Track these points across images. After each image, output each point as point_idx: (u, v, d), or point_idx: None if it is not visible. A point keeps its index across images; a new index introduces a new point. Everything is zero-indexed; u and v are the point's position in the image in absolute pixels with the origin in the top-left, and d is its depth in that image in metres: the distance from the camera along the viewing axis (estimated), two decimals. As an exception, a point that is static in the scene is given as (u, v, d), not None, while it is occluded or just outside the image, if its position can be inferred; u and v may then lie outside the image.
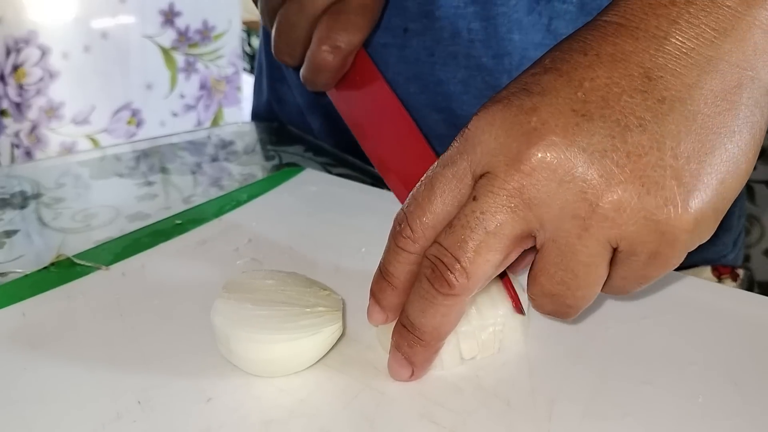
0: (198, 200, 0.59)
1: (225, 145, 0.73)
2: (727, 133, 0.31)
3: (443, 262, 0.33)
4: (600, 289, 0.34)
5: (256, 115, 0.83)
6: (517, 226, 0.32)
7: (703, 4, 0.31)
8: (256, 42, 2.06)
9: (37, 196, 0.60)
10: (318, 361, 0.39)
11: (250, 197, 0.58)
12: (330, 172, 0.66)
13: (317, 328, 0.37)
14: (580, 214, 0.31)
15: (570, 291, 0.33)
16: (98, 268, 0.47)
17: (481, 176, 0.33)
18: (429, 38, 0.61)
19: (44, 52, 1.48)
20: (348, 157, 0.69)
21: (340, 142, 0.73)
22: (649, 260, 0.32)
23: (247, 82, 1.85)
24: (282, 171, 0.62)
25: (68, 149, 1.57)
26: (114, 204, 0.59)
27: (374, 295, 0.38)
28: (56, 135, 1.55)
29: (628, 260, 0.33)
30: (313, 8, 0.52)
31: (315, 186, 0.60)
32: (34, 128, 1.52)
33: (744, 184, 0.33)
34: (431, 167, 0.35)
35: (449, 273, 0.33)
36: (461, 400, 0.37)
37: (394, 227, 0.36)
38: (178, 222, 0.54)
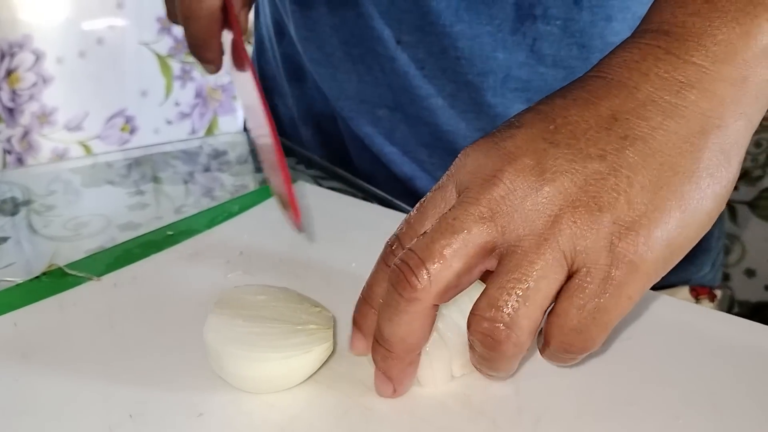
0: (189, 210, 0.59)
1: (217, 155, 0.73)
2: (687, 173, 0.33)
3: (408, 264, 0.34)
4: (543, 313, 0.33)
5: (247, 128, 0.83)
6: (483, 235, 0.34)
7: (672, 61, 0.34)
8: (249, 49, 2.06)
9: (28, 202, 0.60)
10: (308, 377, 0.39)
11: (242, 209, 0.58)
12: (321, 185, 0.66)
13: (309, 347, 0.37)
14: (538, 228, 0.33)
15: (519, 305, 0.33)
16: (90, 279, 0.47)
17: (461, 191, 0.35)
18: (421, 51, 0.63)
19: (38, 56, 1.48)
20: (339, 171, 0.69)
21: (330, 153, 0.73)
22: (603, 284, 0.32)
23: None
24: None
25: (60, 156, 1.57)
26: (105, 213, 0.59)
27: (356, 322, 0.38)
28: (48, 141, 1.55)
29: (582, 283, 0.33)
30: None
31: (305, 199, 0.60)
32: (26, 134, 1.52)
33: (706, 226, 0.34)
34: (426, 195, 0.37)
35: (412, 275, 0.34)
36: (448, 418, 0.37)
37: (384, 250, 0.38)
38: (170, 233, 0.54)
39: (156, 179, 0.66)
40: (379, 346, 0.36)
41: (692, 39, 0.34)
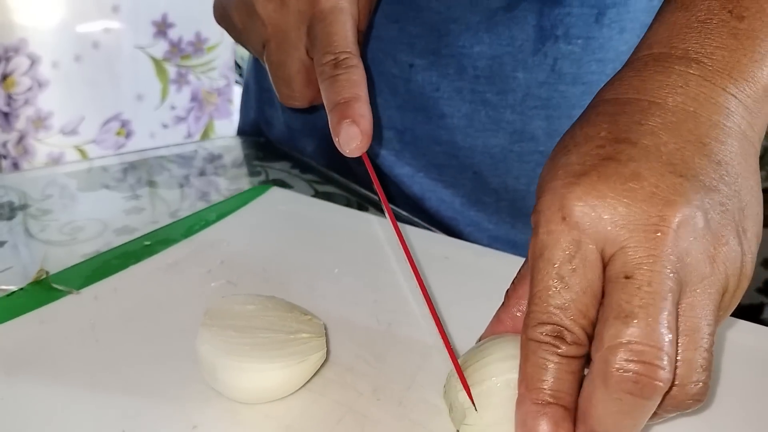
0: (185, 215, 0.59)
1: (212, 159, 0.73)
2: (759, 200, 0.35)
3: (646, 362, 0.30)
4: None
5: (243, 133, 0.83)
6: (677, 290, 0.31)
7: (713, 88, 0.35)
8: (246, 52, 2.06)
9: (24, 207, 0.60)
10: (302, 386, 0.39)
11: (219, 217, 0.57)
12: (316, 190, 0.66)
13: (304, 356, 0.37)
14: (707, 272, 0.32)
15: (709, 358, 0.32)
16: (69, 292, 0.46)
17: (615, 253, 0.32)
18: (435, 74, 0.63)
19: (34, 61, 1.48)
20: (334, 175, 0.70)
21: (334, 163, 0.73)
22: (734, 296, 0.34)
23: (239, 94, 1.85)
24: (249, 190, 0.61)
25: (56, 160, 1.57)
26: (101, 217, 0.59)
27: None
28: (44, 146, 1.55)
29: (733, 300, 0.34)
30: (288, 41, 0.49)
31: (283, 205, 0.59)
32: (21, 138, 1.52)
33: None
34: (544, 267, 0.33)
35: (658, 370, 0.30)
36: (444, 421, 0.37)
37: (540, 341, 0.32)
38: (147, 243, 0.53)
39: (151, 183, 0.66)
40: None
41: (724, 71, 0.35)
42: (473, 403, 0.35)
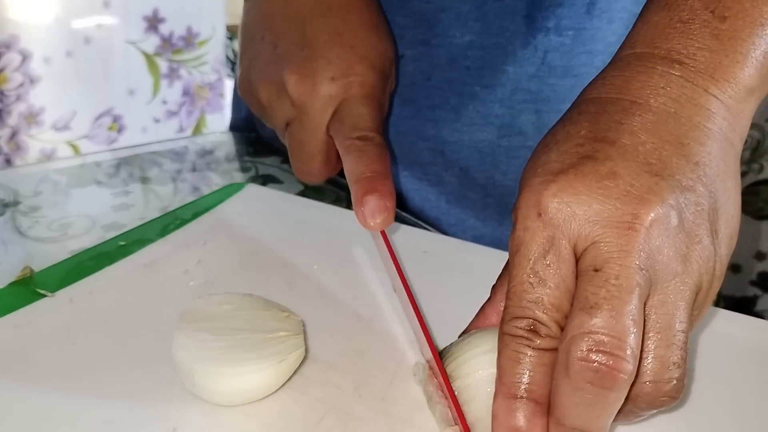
0: (174, 211, 0.59)
1: (203, 154, 0.73)
2: (737, 202, 0.36)
3: (606, 351, 0.30)
4: None
5: (235, 129, 0.83)
6: (646, 286, 0.32)
7: (695, 89, 0.36)
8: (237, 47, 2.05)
9: (14, 203, 0.60)
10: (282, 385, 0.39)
11: (195, 215, 0.56)
12: (306, 185, 0.66)
13: (283, 355, 0.37)
14: (678, 270, 0.32)
15: (683, 357, 0.33)
16: (45, 295, 0.45)
17: (587, 247, 0.32)
18: (425, 63, 0.63)
19: (25, 56, 1.48)
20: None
21: None
22: (708, 295, 0.35)
23: (230, 88, 1.85)
24: (224, 188, 0.61)
25: (48, 156, 1.56)
26: (90, 214, 0.59)
27: (518, 429, 0.33)
28: (36, 141, 1.55)
29: (706, 300, 0.35)
30: (314, 122, 0.49)
31: (259, 202, 0.59)
32: (13, 135, 1.52)
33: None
34: (520, 262, 0.33)
35: (619, 361, 0.30)
36: (425, 415, 0.37)
37: (515, 335, 0.33)
38: (122, 243, 0.52)
39: (143, 179, 0.67)
40: None
41: (707, 72, 0.36)
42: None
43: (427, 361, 0.39)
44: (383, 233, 0.43)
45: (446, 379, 0.36)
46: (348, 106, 0.48)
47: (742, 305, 1.59)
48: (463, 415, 0.35)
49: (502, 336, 0.33)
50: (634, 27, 0.40)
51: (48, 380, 0.39)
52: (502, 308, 0.37)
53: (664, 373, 0.32)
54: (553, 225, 0.33)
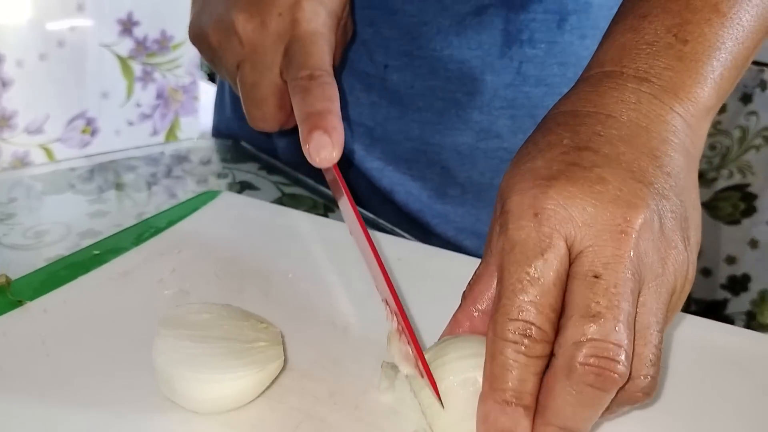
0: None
1: (180, 161, 0.73)
2: (698, 208, 0.38)
3: (607, 357, 0.32)
4: None
5: (218, 131, 0.83)
6: (637, 289, 0.33)
7: (662, 106, 0.38)
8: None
9: (-13, 210, 0.60)
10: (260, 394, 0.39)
11: (169, 224, 0.55)
12: (283, 192, 0.67)
13: (262, 365, 0.37)
14: (659, 272, 0.34)
15: (650, 340, 0.34)
16: (21, 303, 0.45)
17: (582, 250, 0.34)
18: (409, 73, 0.65)
19: (-2, 59, 1.47)
20: (302, 177, 0.70)
21: (308, 165, 0.73)
22: (680, 298, 0.36)
23: (205, 91, 1.85)
24: (199, 195, 0.60)
25: (20, 160, 1.55)
26: (65, 221, 0.59)
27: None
28: (9, 145, 1.53)
29: (678, 302, 0.36)
30: (264, 62, 0.49)
31: (234, 210, 0.58)
32: (-15, 138, 1.50)
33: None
34: (516, 260, 0.34)
35: (618, 365, 0.32)
36: (398, 422, 0.38)
37: (509, 340, 0.33)
38: (96, 252, 0.51)
39: (119, 185, 0.67)
40: None
41: (671, 91, 0.38)
42: (440, 400, 0.36)
43: (385, 300, 0.40)
44: (336, 170, 0.44)
45: (406, 321, 0.37)
46: (296, 44, 0.48)
47: (713, 308, 1.62)
48: (425, 359, 0.36)
49: (495, 339, 0.34)
50: (601, 47, 0.42)
51: (20, 393, 0.38)
52: (474, 313, 0.38)
53: (641, 370, 0.34)
54: (550, 224, 0.34)
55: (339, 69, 0.65)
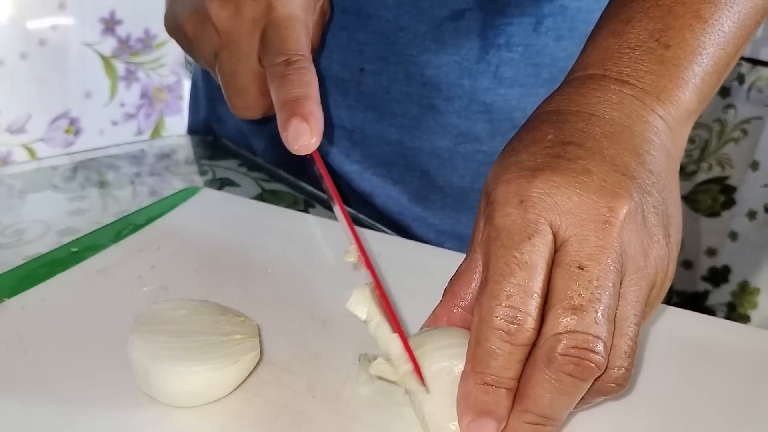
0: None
1: (161, 158, 0.73)
2: (679, 205, 0.39)
3: (587, 348, 0.32)
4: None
5: (193, 132, 0.83)
6: (618, 281, 0.34)
7: (644, 108, 0.39)
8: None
9: (-33, 210, 0.60)
10: (237, 387, 0.39)
11: (149, 221, 0.55)
12: (263, 188, 0.67)
13: (237, 357, 0.38)
14: (641, 265, 0.35)
15: (626, 332, 0.35)
16: (1, 300, 0.45)
17: (567, 239, 0.34)
18: (385, 78, 0.65)
19: (-21, 59, 1.46)
20: (282, 173, 0.70)
21: (286, 160, 0.73)
22: (659, 294, 0.37)
23: (189, 89, 1.84)
24: (178, 192, 0.60)
25: (3, 159, 1.54)
26: (45, 219, 0.59)
27: (489, 412, 0.34)
28: (-10, 144, 1.53)
29: (657, 298, 0.37)
30: (242, 49, 0.48)
31: (213, 206, 0.58)
32: (-33, 138, 1.50)
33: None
34: (503, 245, 0.34)
35: (596, 356, 0.32)
36: (378, 414, 0.38)
37: (495, 327, 0.33)
38: (74, 250, 0.51)
39: (100, 183, 0.67)
40: (542, 427, 0.35)
41: (653, 94, 0.39)
42: (424, 385, 0.36)
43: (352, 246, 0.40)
44: (317, 157, 0.44)
45: (379, 284, 0.38)
46: (271, 29, 0.47)
47: (694, 300, 1.63)
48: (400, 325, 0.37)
49: (481, 325, 0.34)
50: (584, 51, 0.42)
51: (0, 388, 0.38)
52: (453, 309, 0.39)
53: (615, 361, 0.34)
54: (536, 211, 0.34)
55: (319, 50, 0.65)
